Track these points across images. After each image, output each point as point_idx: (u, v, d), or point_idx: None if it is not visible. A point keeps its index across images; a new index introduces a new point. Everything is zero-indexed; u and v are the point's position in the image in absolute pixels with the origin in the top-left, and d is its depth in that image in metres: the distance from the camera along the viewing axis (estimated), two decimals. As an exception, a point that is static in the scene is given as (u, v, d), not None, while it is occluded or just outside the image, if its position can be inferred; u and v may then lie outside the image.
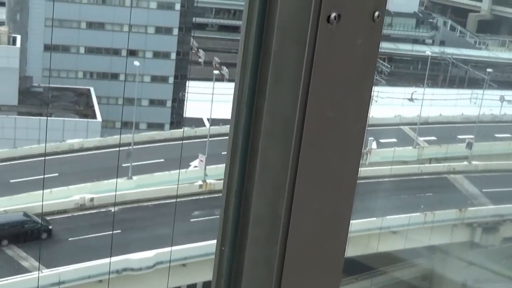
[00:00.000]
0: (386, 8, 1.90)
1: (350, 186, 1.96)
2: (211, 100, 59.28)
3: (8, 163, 51.18)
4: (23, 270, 40.87)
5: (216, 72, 68.42)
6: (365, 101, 1.88)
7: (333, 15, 1.73)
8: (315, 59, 1.73)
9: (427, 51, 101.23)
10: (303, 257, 1.90)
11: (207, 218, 45.29)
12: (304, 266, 1.92)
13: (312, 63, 1.73)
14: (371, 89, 1.89)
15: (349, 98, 1.84)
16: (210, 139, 52.16)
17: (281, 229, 1.83)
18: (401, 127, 62.17)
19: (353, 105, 1.85)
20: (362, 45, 1.82)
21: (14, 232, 43.54)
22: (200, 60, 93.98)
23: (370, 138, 54.23)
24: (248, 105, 1.85)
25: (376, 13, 1.83)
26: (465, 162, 57.93)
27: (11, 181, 48.43)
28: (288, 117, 1.77)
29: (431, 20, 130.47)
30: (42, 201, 40.10)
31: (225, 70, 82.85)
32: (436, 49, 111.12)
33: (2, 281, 39.61)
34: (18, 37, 71.70)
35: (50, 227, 44.25)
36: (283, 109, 1.78)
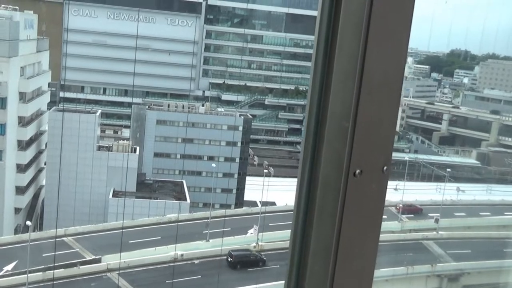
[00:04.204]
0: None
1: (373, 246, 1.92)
2: (262, 189, 59.22)
3: (128, 230, 51.31)
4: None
5: (265, 171, 68.43)
6: (378, 227, 1.87)
7: (357, 171, 1.75)
8: (346, 202, 1.75)
9: (406, 157, 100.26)
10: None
11: (259, 268, 44.49)
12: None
13: (344, 205, 1.75)
14: (381, 218, 1.89)
15: (368, 225, 1.84)
16: (261, 215, 51.79)
17: (330, 265, 1.79)
18: (389, 208, 61.05)
19: (370, 229, 1.85)
20: (376, 189, 1.83)
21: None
22: (255, 163, 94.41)
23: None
24: (300, 233, 1.85)
25: (385, 168, 1.84)
26: (434, 232, 56.42)
27: (129, 241, 48.48)
28: (328, 241, 1.76)
29: (408, 136, 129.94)
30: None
31: (271, 169, 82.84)
32: (412, 155, 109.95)
33: None
34: (137, 148, 73.14)
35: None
36: (325, 237, 1.78)
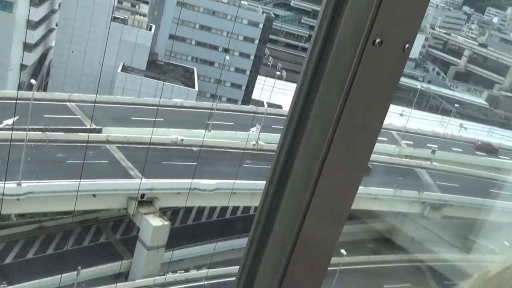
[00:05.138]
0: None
1: (361, 167, 1.84)
2: (271, 90, 59.12)
3: (132, 106, 51.58)
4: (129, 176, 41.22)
5: (278, 73, 67.93)
6: (386, 106, 1.76)
7: (377, 40, 1.62)
8: (358, 71, 1.63)
9: (418, 85, 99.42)
10: (322, 204, 1.81)
11: (254, 166, 45.31)
12: (321, 210, 1.83)
13: (356, 73, 1.63)
14: (392, 98, 1.77)
15: (376, 101, 1.73)
16: (266, 116, 52.01)
17: (311, 184, 1.74)
18: (391, 131, 61.28)
19: (378, 106, 1.74)
20: (392, 66, 1.71)
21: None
22: (268, 63, 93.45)
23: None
24: (304, 96, 1.75)
25: (407, 45, 1.71)
26: (428, 162, 57.03)
27: (132, 118, 48.90)
28: (332, 107, 1.67)
29: (425, 65, 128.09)
30: (151, 134, 40.54)
31: (284, 73, 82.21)
32: (424, 85, 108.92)
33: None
34: (153, 26, 72.08)
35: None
36: (329, 102, 1.68)
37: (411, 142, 62.42)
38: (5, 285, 34.64)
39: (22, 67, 63.62)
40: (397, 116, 72.44)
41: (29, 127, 37.54)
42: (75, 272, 36.78)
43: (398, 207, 49.75)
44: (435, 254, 44.34)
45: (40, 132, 40.70)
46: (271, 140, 47.35)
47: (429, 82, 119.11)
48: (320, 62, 1.68)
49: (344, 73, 1.63)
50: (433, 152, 59.01)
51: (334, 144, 1.67)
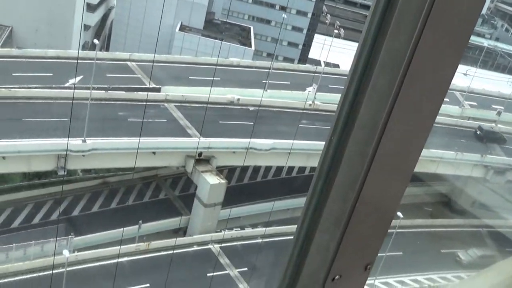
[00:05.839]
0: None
1: (429, 121, 1.75)
2: (328, 49, 58.11)
3: (190, 65, 51.84)
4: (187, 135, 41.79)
5: (336, 31, 66.53)
6: (459, 53, 1.63)
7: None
8: (431, 13, 1.51)
9: (485, 42, 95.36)
10: (387, 158, 1.74)
11: (310, 126, 45.05)
12: (385, 164, 1.75)
13: (429, 15, 1.51)
14: (466, 45, 1.64)
15: (449, 47, 1.61)
16: (323, 75, 51.28)
17: (375, 136, 1.67)
18: (454, 92, 59.31)
19: (451, 53, 1.62)
20: (468, 8, 1.57)
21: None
22: (326, 21, 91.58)
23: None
24: (371, 42, 1.65)
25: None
26: (493, 124, 55.06)
27: (190, 77, 49.25)
28: (401, 54, 1.57)
29: (493, 22, 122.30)
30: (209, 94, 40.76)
31: (342, 31, 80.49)
32: (491, 42, 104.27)
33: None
34: (211, -15, 71.77)
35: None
36: (398, 48, 1.58)
37: (475, 103, 60.33)
38: (73, 236, 36.31)
39: (85, 27, 64.92)
40: (461, 76, 70.03)
41: (93, 86, 38.49)
42: (137, 226, 38.12)
43: (460, 170, 48.57)
44: (498, 219, 43.30)
45: (103, 91, 41.72)
46: (327, 100, 46.79)
47: (497, 39, 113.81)
48: (390, 3, 1.58)
49: (415, 15, 1.52)
50: (499, 113, 56.85)
51: (402, 94, 1.58)
